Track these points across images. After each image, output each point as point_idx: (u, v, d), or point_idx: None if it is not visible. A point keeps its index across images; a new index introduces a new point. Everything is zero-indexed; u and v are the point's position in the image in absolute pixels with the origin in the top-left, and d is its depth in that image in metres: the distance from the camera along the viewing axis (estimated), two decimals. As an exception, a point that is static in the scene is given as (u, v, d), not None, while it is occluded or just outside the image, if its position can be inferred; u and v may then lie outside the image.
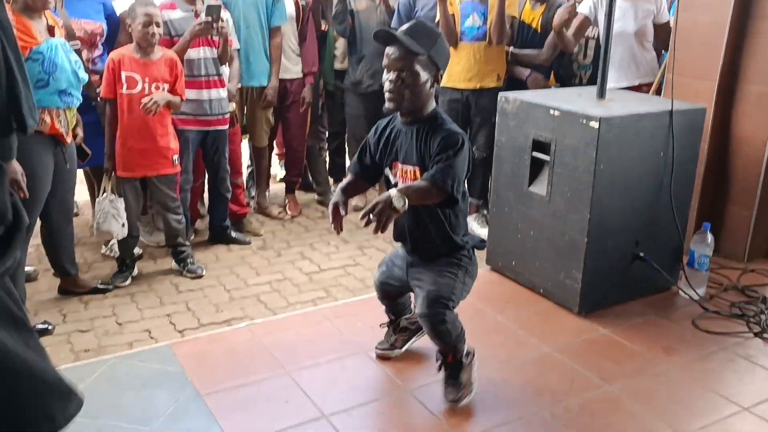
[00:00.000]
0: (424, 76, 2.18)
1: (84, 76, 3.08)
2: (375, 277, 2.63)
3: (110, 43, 3.78)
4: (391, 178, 2.37)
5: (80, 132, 3.33)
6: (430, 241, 2.34)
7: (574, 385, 2.53)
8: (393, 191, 2.05)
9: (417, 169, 2.25)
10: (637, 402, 2.44)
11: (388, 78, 2.20)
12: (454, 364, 2.38)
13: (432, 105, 2.28)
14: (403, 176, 2.30)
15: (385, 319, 2.74)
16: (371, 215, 2.01)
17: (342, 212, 2.27)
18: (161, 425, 2.27)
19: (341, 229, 2.26)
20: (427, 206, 2.24)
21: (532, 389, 2.51)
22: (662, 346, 2.83)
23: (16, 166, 2.70)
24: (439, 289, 2.27)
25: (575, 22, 3.95)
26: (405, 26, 2.25)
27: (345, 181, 2.46)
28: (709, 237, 3.21)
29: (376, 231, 2.02)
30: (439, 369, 2.42)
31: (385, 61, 2.21)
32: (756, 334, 2.93)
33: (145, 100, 3.38)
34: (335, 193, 2.36)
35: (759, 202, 3.57)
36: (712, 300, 3.23)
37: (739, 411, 2.41)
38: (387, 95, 2.21)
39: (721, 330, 2.96)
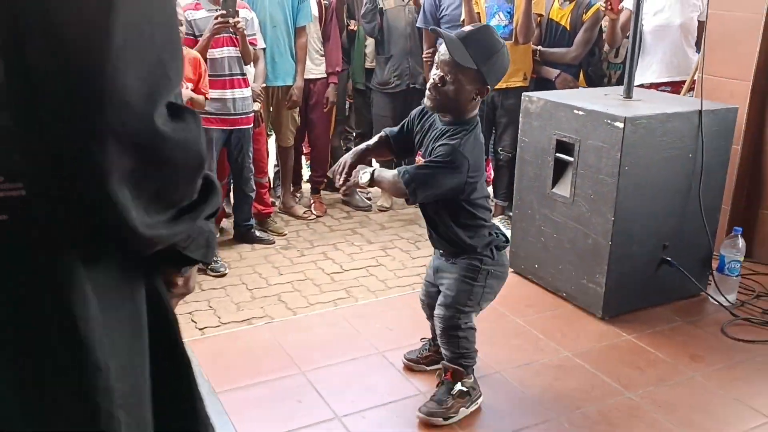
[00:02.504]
0: (467, 88, 2.12)
1: None
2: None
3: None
4: None
5: None
6: (445, 239, 2.30)
7: (594, 392, 2.47)
8: (374, 168, 2.24)
9: None
10: (659, 410, 2.36)
11: (433, 74, 2.16)
12: (449, 382, 2.34)
13: (472, 114, 2.20)
14: None
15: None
16: (343, 174, 2.24)
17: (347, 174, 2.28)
18: (174, 423, 2.27)
19: (345, 188, 2.29)
20: (439, 201, 2.21)
21: (550, 394, 2.45)
22: (688, 353, 2.74)
23: None
24: (457, 294, 2.26)
25: (623, 17, 3.87)
26: (468, 29, 2.18)
27: (374, 139, 2.41)
28: (740, 242, 3.11)
29: (337, 186, 2.28)
30: (438, 386, 2.36)
31: (436, 57, 2.17)
32: (788, 343, 2.83)
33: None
34: (355, 149, 2.36)
35: (795, 206, 3.46)
36: (743, 307, 3.12)
37: (767, 422, 2.32)
38: (426, 92, 2.18)
39: (752, 338, 2.86)
